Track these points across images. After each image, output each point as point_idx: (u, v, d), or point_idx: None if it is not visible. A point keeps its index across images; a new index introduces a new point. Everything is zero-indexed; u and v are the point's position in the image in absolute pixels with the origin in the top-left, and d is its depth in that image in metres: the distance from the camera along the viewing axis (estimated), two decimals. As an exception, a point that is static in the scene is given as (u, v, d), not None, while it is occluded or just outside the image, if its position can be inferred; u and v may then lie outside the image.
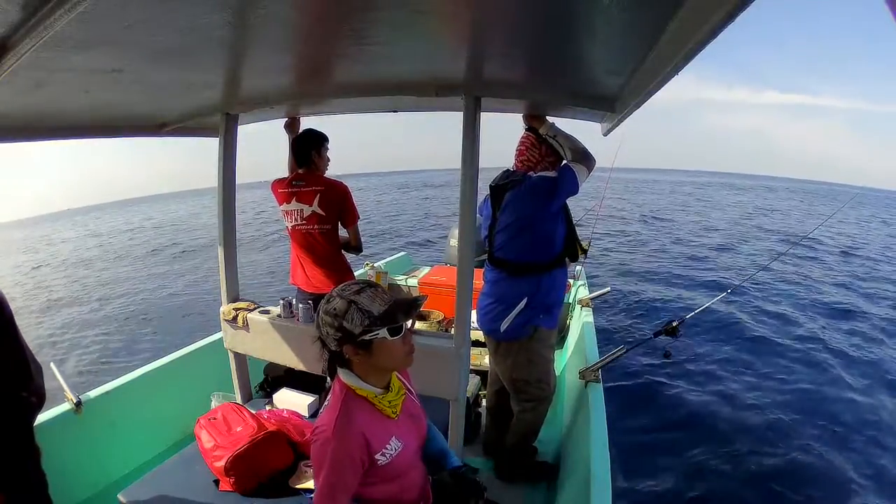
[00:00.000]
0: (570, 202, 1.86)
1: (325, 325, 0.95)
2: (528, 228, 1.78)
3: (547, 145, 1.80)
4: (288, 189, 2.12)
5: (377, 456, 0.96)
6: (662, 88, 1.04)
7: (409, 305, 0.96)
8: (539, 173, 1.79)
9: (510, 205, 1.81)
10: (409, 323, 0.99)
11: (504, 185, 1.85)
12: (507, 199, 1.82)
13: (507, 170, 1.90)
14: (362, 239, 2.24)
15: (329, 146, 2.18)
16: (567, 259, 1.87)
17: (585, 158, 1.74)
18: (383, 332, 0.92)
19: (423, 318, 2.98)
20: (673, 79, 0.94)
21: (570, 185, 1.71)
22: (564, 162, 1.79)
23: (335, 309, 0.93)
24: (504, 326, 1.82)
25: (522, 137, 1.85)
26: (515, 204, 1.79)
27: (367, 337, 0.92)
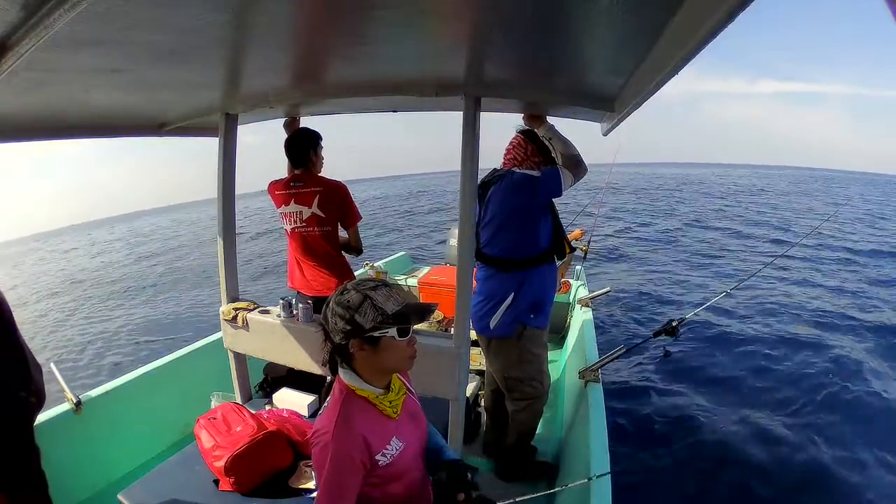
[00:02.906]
0: (570, 203, 1.87)
1: (334, 316, 0.94)
2: (510, 224, 1.81)
3: (534, 146, 1.83)
4: (286, 191, 2.08)
5: (378, 456, 0.96)
6: (662, 88, 1.04)
7: (421, 310, 0.97)
8: (522, 170, 1.81)
9: (492, 200, 1.84)
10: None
11: (489, 181, 1.88)
12: (490, 194, 1.85)
13: (495, 168, 1.93)
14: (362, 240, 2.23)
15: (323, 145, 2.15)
16: (555, 257, 1.89)
17: (576, 166, 1.76)
18: (392, 332, 0.93)
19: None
20: (672, 79, 0.94)
21: (552, 187, 1.74)
22: (556, 165, 1.80)
23: (349, 301, 0.93)
24: (493, 323, 1.83)
25: (512, 138, 1.89)
26: (497, 199, 1.82)
27: (376, 333, 0.92)
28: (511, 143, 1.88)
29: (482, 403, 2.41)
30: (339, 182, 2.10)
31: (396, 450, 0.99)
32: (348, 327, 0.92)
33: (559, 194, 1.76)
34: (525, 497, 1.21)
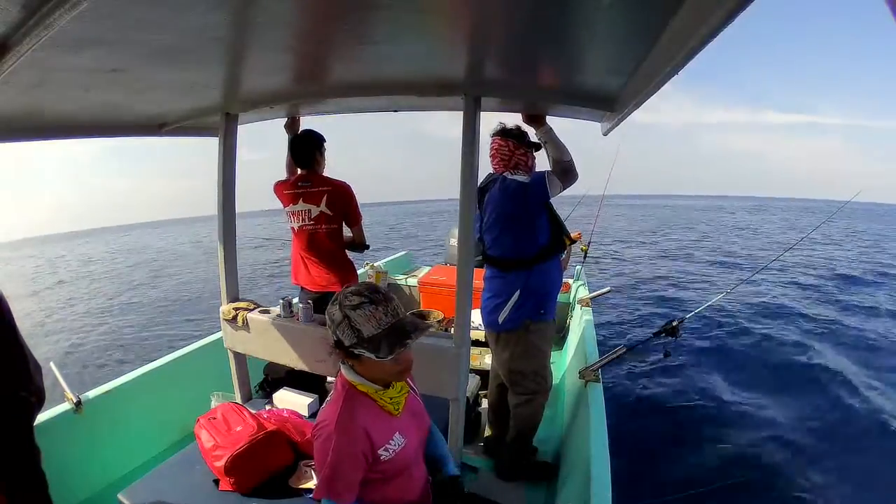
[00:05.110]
0: (568, 203, 1.88)
1: (327, 323, 0.97)
2: (507, 226, 1.86)
3: (513, 140, 1.85)
4: (294, 190, 2.15)
5: (380, 451, 0.97)
6: (659, 93, 1.04)
7: (401, 335, 0.92)
8: (512, 176, 1.84)
9: (489, 205, 1.90)
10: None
11: (484, 186, 1.93)
12: (486, 200, 1.91)
13: (490, 173, 1.97)
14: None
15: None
16: (557, 251, 1.91)
17: (565, 173, 1.77)
18: (369, 354, 0.91)
19: (422, 317, 2.94)
20: (672, 79, 0.94)
21: (539, 194, 1.77)
22: (544, 171, 1.82)
23: (332, 315, 0.94)
24: (502, 318, 1.87)
25: (490, 143, 1.91)
26: (492, 204, 1.88)
27: (355, 351, 0.93)
28: (491, 148, 1.91)
29: (482, 403, 2.41)
30: (345, 182, 2.17)
31: (399, 445, 1.00)
32: (333, 338, 0.95)
33: (547, 199, 1.80)
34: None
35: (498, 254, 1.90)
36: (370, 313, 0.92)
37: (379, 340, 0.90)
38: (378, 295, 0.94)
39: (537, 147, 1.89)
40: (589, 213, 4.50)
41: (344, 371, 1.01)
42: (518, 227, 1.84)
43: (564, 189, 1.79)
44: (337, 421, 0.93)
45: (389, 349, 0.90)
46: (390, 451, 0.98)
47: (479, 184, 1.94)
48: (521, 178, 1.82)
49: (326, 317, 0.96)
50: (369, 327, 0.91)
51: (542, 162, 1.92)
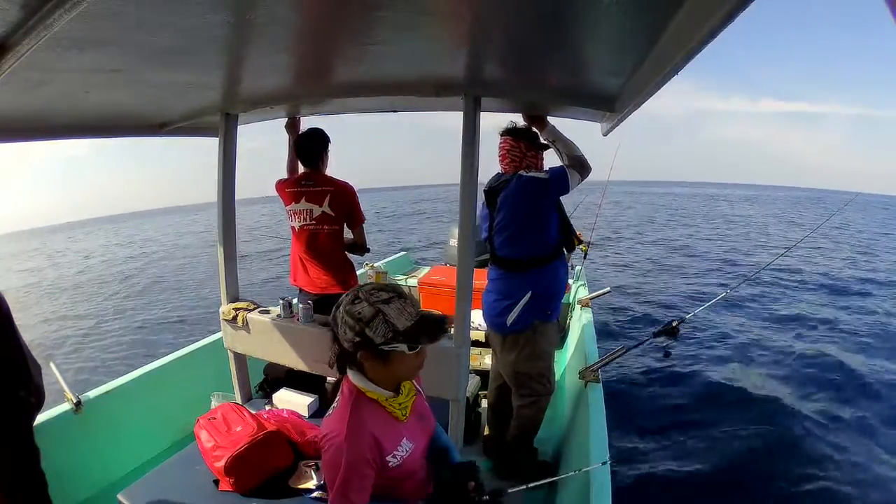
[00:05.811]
0: (568, 202, 1.90)
1: (344, 325, 0.92)
2: (522, 227, 1.85)
3: (524, 141, 1.85)
4: (296, 189, 2.13)
5: (388, 458, 0.95)
6: (661, 90, 1.04)
7: (434, 328, 0.93)
8: (529, 174, 1.83)
9: (504, 205, 1.87)
10: None
11: (497, 187, 1.91)
12: (501, 200, 1.88)
13: (498, 173, 1.96)
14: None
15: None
16: (565, 250, 1.92)
17: (581, 166, 1.79)
18: (403, 347, 0.91)
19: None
20: (673, 79, 0.94)
21: (561, 188, 1.79)
22: (560, 165, 1.83)
23: (360, 313, 0.91)
24: (510, 320, 1.86)
25: (501, 143, 1.90)
26: (508, 204, 1.85)
27: (386, 348, 0.91)
28: (502, 147, 1.90)
29: (482, 404, 2.41)
30: (348, 183, 2.16)
31: (406, 451, 0.99)
32: (358, 339, 0.91)
33: (567, 193, 1.81)
34: (535, 483, 1.18)
35: (510, 254, 1.88)
36: (402, 306, 0.92)
37: (414, 332, 0.91)
38: (398, 289, 0.96)
39: (544, 147, 1.89)
40: (590, 204, 4.48)
41: (352, 377, 0.98)
42: (533, 226, 1.84)
43: (582, 181, 1.82)
44: (347, 430, 0.91)
45: (430, 338, 0.92)
46: (398, 457, 0.97)
47: (487, 184, 1.95)
48: (538, 174, 1.82)
49: (346, 318, 0.92)
50: (403, 320, 0.91)
51: (545, 161, 1.93)
